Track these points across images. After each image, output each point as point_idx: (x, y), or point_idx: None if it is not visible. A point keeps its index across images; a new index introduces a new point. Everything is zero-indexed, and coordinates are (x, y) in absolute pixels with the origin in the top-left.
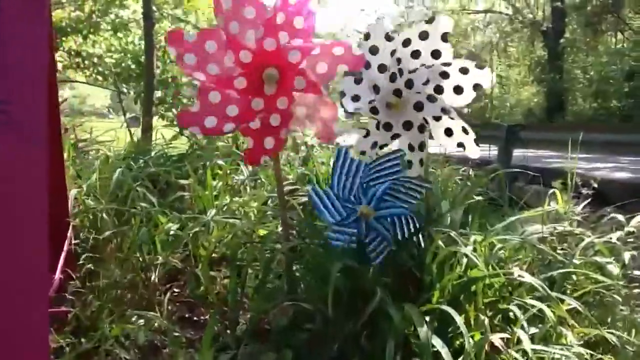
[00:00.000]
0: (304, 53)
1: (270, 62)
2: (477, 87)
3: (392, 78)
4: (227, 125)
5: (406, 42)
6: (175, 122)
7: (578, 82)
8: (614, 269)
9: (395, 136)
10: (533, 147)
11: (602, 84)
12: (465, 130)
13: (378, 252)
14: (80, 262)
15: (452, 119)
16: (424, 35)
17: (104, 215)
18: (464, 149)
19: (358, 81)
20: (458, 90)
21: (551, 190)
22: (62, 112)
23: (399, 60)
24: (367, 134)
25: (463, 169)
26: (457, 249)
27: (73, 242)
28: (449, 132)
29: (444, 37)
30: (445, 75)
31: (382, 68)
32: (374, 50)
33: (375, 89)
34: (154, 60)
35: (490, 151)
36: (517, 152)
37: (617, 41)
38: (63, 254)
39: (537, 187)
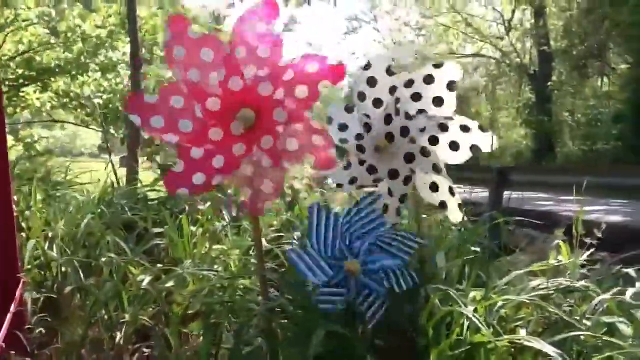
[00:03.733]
0: (275, 82)
1: (241, 103)
2: (474, 148)
3: (387, 120)
4: (216, 178)
5: (409, 84)
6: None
7: (566, 125)
8: (627, 329)
9: (377, 180)
10: (522, 189)
11: (590, 127)
12: (465, 129)
13: (373, 312)
14: (34, 324)
15: (445, 129)
16: (429, 80)
17: (65, 268)
18: (446, 209)
19: (349, 109)
20: (454, 146)
21: (555, 242)
22: (51, 152)
23: (397, 101)
24: (348, 166)
25: None
26: (457, 310)
27: (30, 299)
28: (454, 146)
29: (450, 86)
30: (444, 127)
31: (377, 103)
32: (372, 82)
33: (367, 126)
34: None
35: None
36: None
37: (604, 85)
38: (9, 316)
39: (529, 231)
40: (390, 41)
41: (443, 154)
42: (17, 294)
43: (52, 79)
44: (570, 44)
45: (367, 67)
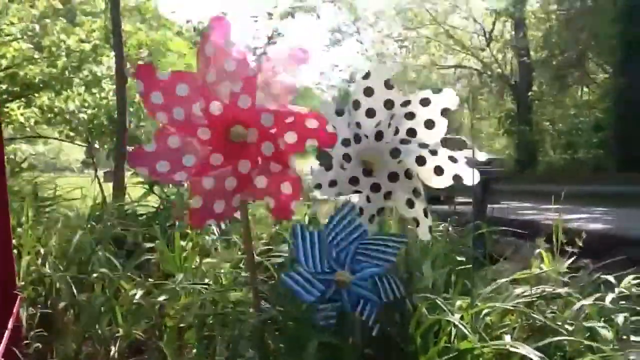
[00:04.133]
0: (278, 119)
1: (241, 120)
2: (445, 112)
3: (357, 140)
4: (179, 174)
5: (356, 105)
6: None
7: (548, 134)
8: (608, 333)
9: (387, 195)
10: (506, 199)
11: (571, 136)
12: (453, 159)
13: (367, 315)
14: (30, 340)
15: (434, 154)
16: (368, 92)
17: (59, 284)
18: (461, 180)
19: (339, 113)
20: (429, 124)
21: (537, 251)
22: (35, 168)
23: (358, 125)
24: (361, 212)
25: (441, 225)
26: (444, 318)
27: (25, 314)
28: (438, 170)
29: (387, 85)
30: (410, 115)
31: (345, 142)
32: (369, 92)
33: (356, 137)
34: (126, 116)
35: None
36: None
37: (583, 94)
38: (7, 332)
39: (514, 240)
40: (373, 52)
41: (427, 176)
42: (15, 309)
43: (36, 94)
44: (549, 55)
45: (367, 76)
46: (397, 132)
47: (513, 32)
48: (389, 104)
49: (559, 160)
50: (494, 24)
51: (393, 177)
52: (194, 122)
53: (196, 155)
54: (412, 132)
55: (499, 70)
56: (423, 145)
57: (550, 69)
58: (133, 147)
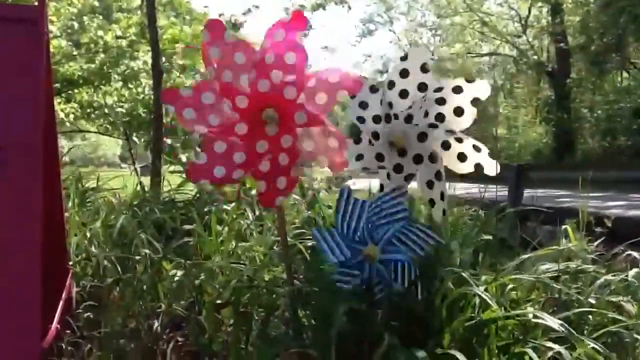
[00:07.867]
0: (299, 88)
1: (267, 103)
2: (475, 101)
3: (387, 119)
4: (236, 173)
5: (391, 85)
6: (183, 170)
7: (586, 121)
8: (632, 308)
9: (408, 177)
10: (543, 186)
11: (610, 122)
12: (477, 148)
13: (404, 279)
14: (81, 310)
15: (460, 141)
16: (404, 74)
17: (106, 262)
18: (483, 169)
19: (373, 89)
20: (458, 111)
21: (563, 227)
22: (74, 162)
23: (390, 105)
24: (382, 188)
25: (473, 209)
26: (469, 290)
27: (75, 289)
28: (462, 157)
29: (424, 68)
30: (441, 101)
31: (376, 119)
32: (364, 106)
33: (375, 135)
34: (163, 109)
35: (498, 192)
36: (528, 192)
37: (623, 79)
38: (61, 302)
39: (549, 227)
40: (406, 42)
41: (450, 160)
42: (67, 282)
43: (76, 90)
44: (587, 40)
45: (404, 58)
46: (426, 114)
47: (549, 18)
48: (422, 87)
49: (597, 147)
50: (529, 9)
51: (417, 159)
52: (230, 122)
53: (244, 151)
54: (440, 117)
55: (536, 57)
56: (450, 132)
57: (588, 55)
58: (188, 165)
